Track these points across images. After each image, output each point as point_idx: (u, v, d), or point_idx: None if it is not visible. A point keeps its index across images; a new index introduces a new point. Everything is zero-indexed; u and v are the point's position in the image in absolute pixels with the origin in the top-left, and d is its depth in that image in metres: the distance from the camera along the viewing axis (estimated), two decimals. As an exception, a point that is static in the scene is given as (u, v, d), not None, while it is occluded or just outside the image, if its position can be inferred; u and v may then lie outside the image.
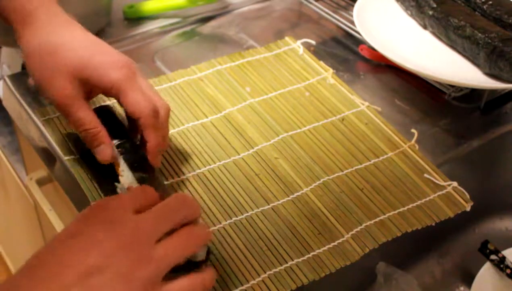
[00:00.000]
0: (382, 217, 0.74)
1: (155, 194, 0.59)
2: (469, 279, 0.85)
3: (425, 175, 0.80)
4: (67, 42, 0.71)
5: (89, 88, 0.72)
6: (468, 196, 0.78)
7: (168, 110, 0.74)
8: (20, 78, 0.92)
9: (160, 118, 0.72)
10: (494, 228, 0.96)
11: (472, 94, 0.94)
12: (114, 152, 0.72)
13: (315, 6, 1.10)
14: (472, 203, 0.78)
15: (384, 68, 0.99)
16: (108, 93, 0.72)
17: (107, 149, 0.71)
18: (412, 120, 0.90)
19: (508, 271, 0.83)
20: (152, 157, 0.72)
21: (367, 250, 0.71)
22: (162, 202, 0.57)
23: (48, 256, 0.52)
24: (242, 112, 0.87)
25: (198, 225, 0.58)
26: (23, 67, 1.00)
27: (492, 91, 0.94)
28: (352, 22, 1.00)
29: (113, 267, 0.51)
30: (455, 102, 0.94)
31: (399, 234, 0.73)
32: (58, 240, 0.53)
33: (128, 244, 0.52)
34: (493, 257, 0.83)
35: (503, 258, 0.83)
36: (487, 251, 0.84)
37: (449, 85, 0.94)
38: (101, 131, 0.71)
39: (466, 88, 0.94)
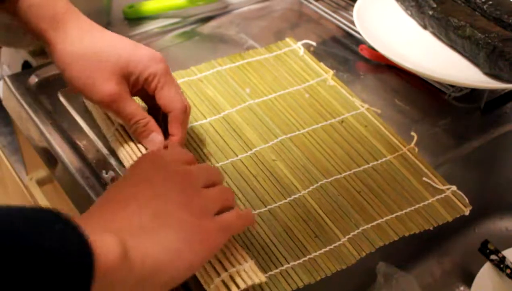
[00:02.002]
0: (379, 221, 0.74)
1: (192, 156, 0.69)
2: (469, 279, 0.85)
3: (424, 179, 0.80)
4: (103, 44, 0.74)
5: (131, 83, 0.75)
6: (467, 200, 0.78)
7: (190, 108, 0.79)
8: (20, 78, 0.92)
9: (187, 115, 0.77)
10: (494, 228, 0.96)
11: (472, 94, 0.94)
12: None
13: (315, 6, 1.10)
14: (471, 207, 0.77)
15: (384, 68, 0.99)
16: (147, 86, 0.76)
17: (157, 136, 0.76)
18: (412, 120, 0.90)
19: (508, 271, 0.83)
20: None
21: (363, 254, 0.71)
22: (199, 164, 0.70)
23: (123, 189, 0.61)
24: (241, 113, 0.87)
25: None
26: (23, 67, 1.00)
27: (492, 91, 0.93)
28: (352, 22, 1.00)
29: (174, 196, 0.60)
30: (455, 102, 0.94)
31: (396, 238, 0.73)
32: (125, 178, 0.63)
33: (182, 184, 0.62)
34: (493, 257, 0.84)
35: (503, 258, 0.83)
36: (487, 251, 0.84)
37: (449, 85, 0.94)
38: (150, 121, 0.76)
39: (466, 88, 0.94)
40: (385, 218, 0.75)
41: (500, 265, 0.83)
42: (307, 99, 0.90)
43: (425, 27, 1.00)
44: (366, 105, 0.89)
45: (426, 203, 0.77)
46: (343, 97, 0.91)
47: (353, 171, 0.80)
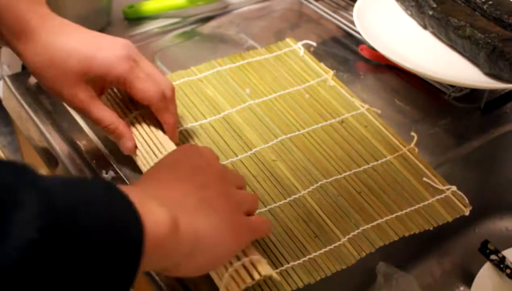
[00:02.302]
0: (379, 221, 0.74)
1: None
2: (469, 279, 0.85)
3: (424, 179, 0.80)
4: (67, 49, 0.72)
5: (98, 86, 0.74)
6: (467, 201, 0.78)
7: (172, 89, 0.78)
8: (20, 78, 0.92)
9: (168, 98, 0.76)
10: (494, 228, 0.96)
11: (472, 94, 0.94)
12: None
13: (315, 6, 1.10)
14: (471, 207, 0.77)
15: (384, 68, 0.99)
16: (116, 86, 0.76)
17: (127, 141, 0.76)
18: (412, 120, 0.90)
19: (508, 271, 0.83)
20: (171, 135, 0.77)
21: (363, 254, 0.71)
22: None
23: (163, 171, 0.62)
24: (241, 113, 0.87)
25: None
26: (23, 67, 1.00)
27: (492, 91, 0.93)
28: (352, 22, 1.00)
29: (216, 187, 0.61)
30: (455, 102, 0.94)
31: (396, 238, 0.73)
32: (170, 161, 0.64)
33: (220, 176, 0.63)
34: (493, 257, 0.84)
35: (503, 258, 0.83)
36: (487, 251, 0.84)
37: (449, 85, 0.94)
38: (119, 126, 0.75)
39: (466, 88, 0.94)
40: (385, 218, 0.75)
41: (500, 265, 0.83)
42: (307, 99, 0.90)
43: (425, 27, 1.00)
44: (366, 106, 0.89)
45: (426, 203, 0.77)
46: (343, 98, 0.91)
47: (353, 171, 0.80)
